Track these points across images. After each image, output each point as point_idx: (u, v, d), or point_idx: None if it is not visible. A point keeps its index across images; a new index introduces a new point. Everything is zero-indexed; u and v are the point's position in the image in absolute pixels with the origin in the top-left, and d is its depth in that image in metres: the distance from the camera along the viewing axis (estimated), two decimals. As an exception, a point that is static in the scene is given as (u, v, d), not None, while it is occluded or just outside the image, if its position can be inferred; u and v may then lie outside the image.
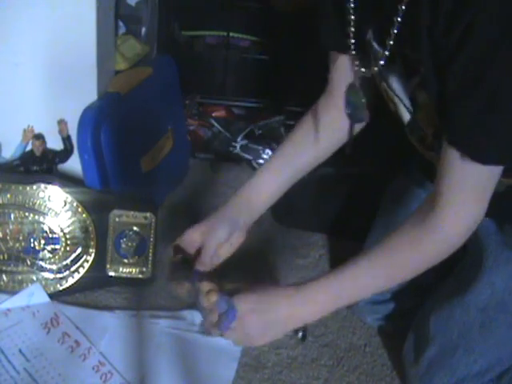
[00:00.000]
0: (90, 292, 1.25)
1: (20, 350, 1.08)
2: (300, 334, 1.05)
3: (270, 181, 1.08)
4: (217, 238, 1.04)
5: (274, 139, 1.81)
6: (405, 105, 0.93)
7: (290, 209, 1.56)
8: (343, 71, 1.00)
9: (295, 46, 1.84)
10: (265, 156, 1.77)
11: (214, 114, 1.84)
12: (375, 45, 0.89)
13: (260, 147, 1.78)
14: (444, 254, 0.86)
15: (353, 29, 0.89)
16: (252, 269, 1.37)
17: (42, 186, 1.21)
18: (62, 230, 1.23)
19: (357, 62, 0.93)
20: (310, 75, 1.82)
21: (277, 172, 1.08)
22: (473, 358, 1.00)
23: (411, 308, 1.15)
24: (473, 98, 0.74)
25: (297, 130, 1.10)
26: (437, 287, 1.10)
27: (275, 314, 0.90)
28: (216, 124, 1.80)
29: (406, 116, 0.95)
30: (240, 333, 0.90)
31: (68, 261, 1.24)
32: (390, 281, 0.92)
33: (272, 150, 1.77)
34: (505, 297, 0.98)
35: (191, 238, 1.05)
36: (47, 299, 1.19)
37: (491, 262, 0.99)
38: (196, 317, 1.20)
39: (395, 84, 0.92)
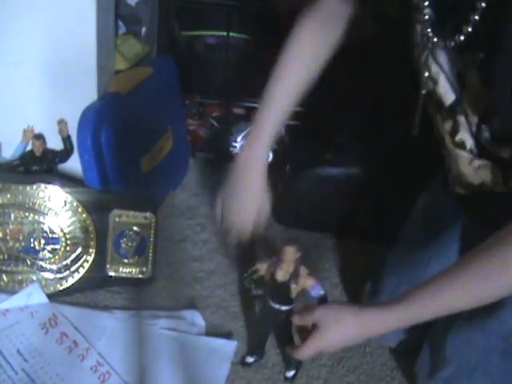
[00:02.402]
0: (90, 292, 1.25)
1: (18, 351, 1.07)
2: (292, 372, 1.09)
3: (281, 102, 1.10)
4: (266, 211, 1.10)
5: (274, 139, 1.80)
6: (451, 83, 0.87)
7: (290, 209, 1.56)
8: None
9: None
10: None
11: (214, 114, 1.84)
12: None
13: (260, 147, 1.78)
14: None
15: None
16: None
17: (42, 185, 1.21)
18: (62, 230, 1.23)
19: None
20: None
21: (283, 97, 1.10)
22: (490, 380, 0.96)
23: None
24: None
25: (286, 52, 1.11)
26: None
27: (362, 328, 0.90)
28: (216, 124, 1.80)
29: (449, 96, 0.88)
30: (330, 335, 0.91)
31: (68, 261, 1.24)
32: (477, 302, 0.84)
33: (272, 150, 1.77)
34: None
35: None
36: (46, 299, 1.19)
37: None
38: (196, 316, 1.20)
39: (442, 58, 0.86)
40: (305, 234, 1.53)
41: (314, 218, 1.56)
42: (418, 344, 1.13)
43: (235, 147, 1.79)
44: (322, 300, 1.01)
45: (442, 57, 0.87)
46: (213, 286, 1.32)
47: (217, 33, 1.87)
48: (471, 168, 0.93)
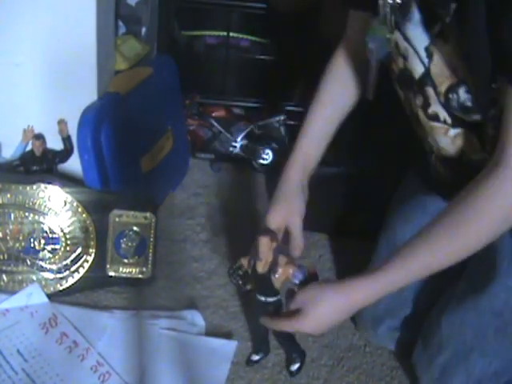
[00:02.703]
0: (90, 292, 1.25)
1: (18, 351, 1.07)
2: (296, 366, 1.09)
3: (316, 135, 1.11)
4: (300, 215, 1.08)
5: (273, 139, 1.81)
6: (419, 56, 0.91)
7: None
8: (362, 23, 1.00)
9: (295, 45, 1.84)
10: (265, 156, 1.77)
11: (213, 114, 1.84)
12: None
13: (260, 147, 1.78)
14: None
15: None
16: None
17: (42, 185, 1.21)
18: (62, 230, 1.23)
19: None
20: (310, 75, 1.82)
21: (318, 126, 1.11)
22: (488, 360, 0.98)
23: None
24: None
25: (321, 87, 1.11)
26: (446, 290, 1.08)
27: (345, 300, 0.92)
28: (216, 124, 1.80)
29: (419, 69, 0.92)
30: (313, 318, 0.92)
31: (68, 261, 1.24)
32: (453, 256, 0.87)
33: (272, 149, 1.77)
34: None
35: (276, 223, 1.07)
36: (46, 299, 1.19)
37: (506, 264, 0.96)
38: (196, 316, 1.20)
39: (411, 32, 0.90)
40: (304, 234, 1.53)
41: (313, 218, 1.55)
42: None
43: (235, 147, 1.79)
44: (303, 284, 0.98)
45: (410, 31, 0.90)
46: (213, 286, 1.32)
47: (217, 33, 1.87)
48: (448, 138, 0.96)
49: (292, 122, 1.82)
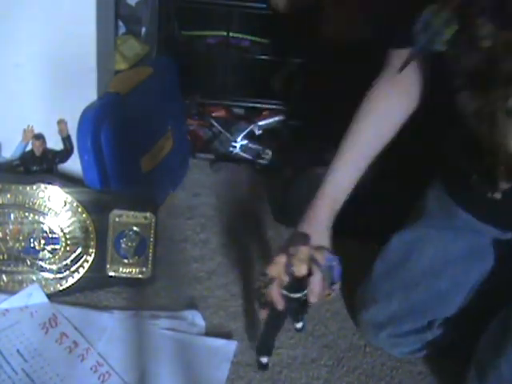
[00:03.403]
0: (90, 292, 1.25)
1: (18, 351, 1.07)
2: (300, 324, 1.07)
3: (347, 174, 1.09)
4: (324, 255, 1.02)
5: (274, 139, 1.81)
6: None
7: (290, 209, 1.56)
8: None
9: (295, 45, 1.84)
10: (265, 156, 1.77)
11: (213, 114, 1.84)
12: None
13: (260, 147, 1.78)
14: None
15: None
16: (253, 269, 1.38)
17: (42, 186, 1.21)
18: (61, 230, 1.23)
19: None
20: (311, 75, 1.83)
21: (352, 163, 1.09)
22: None
23: (454, 341, 1.12)
24: None
25: (358, 119, 1.10)
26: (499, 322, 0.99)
27: None
28: (216, 124, 1.80)
29: None
30: None
31: (68, 261, 1.23)
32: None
33: (272, 150, 1.77)
34: None
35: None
36: (45, 300, 1.19)
37: None
38: (196, 317, 1.20)
39: None
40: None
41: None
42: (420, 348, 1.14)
43: (235, 147, 1.79)
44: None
45: None
46: (213, 286, 1.32)
47: (217, 33, 1.87)
48: None
49: (292, 122, 1.83)
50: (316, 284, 0.98)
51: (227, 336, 1.17)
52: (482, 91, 0.89)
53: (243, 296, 1.29)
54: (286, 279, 0.98)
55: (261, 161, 1.78)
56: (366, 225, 1.51)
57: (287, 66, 1.90)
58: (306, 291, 1.01)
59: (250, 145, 1.79)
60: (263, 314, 1.03)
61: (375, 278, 1.18)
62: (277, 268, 0.98)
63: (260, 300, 1.03)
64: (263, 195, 1.69)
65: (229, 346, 1.14)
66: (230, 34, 1.86)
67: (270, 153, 1.77)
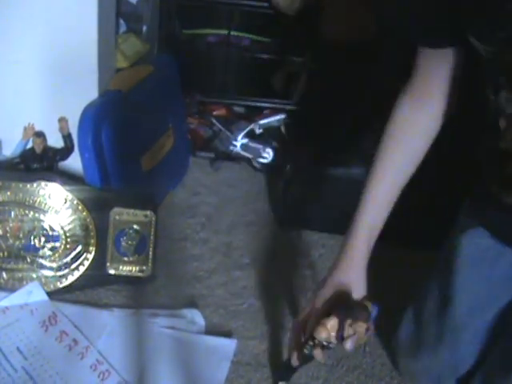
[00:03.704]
0: (90, 290, 1.25)
1: (18, 348, 1.07)
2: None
3: (379, 211, 1.03)
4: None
5: (274, 138, 1.81)
6: None
7: (290, 209, 1.56)
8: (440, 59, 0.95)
9: (296, 44, 1.85)
10: (265, 155, 1.77)
11: (214, 113, 1.84)
12: None
13: (260, 146, 1.78)
14: None
15: None
16: (253, 268, 1.38)
17: (43, 183, 1.21)
18: (62, 228, 1.22)
19: None
20: (311, 74, 1.83)
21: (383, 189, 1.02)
22: None
23: None
24: None
25: (387, 141, 1.02)
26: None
27: None
28: (216, 123, 1.80)
29: None
30: None
31: (68, 259, 1.23)
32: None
33: (272, 148, 1.77)
34: None
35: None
36: (46, 297, 1.19)
37: None
38: (196, 315, 1.20)
39: None
40: (305, 234, 1.53)
41: (314, 218, 1.56)
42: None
43: (235, 146, 1.79)
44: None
45: None
46: (213, 284, 1.32)
47: (218, 31, 1.87)
48: None
49: (292, 121, 1.82)
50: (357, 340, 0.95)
51: (227, 335, 1.17)
52: None
53: (243, 295, 1.29)
54: (334, 342, 0.94)
55: (261, 160, 1.78)
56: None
57: (288, 65, 1.91)
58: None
59: (251, 143, 1.79)
60: (297, 363, 1.00)
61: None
62: (327, 333, 0.93)
63: (304, 360, 1.00)
64: (263, 194, 1.69)
65: (229, 345, 1.14)
66: (231, 33, 1.86)
67: (270, 152, 1.77)
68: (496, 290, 0.99)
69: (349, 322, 0.92)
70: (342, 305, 0.96)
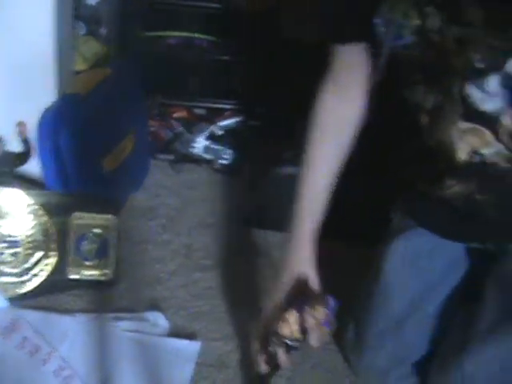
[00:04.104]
0: (51, 295, 1.24)
1: (-22, 357, 1.06)
2: None
3: (317, 200, 1.06)
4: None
5: (234, 139, 1.82)
6: None
7: (251, 209, 1.57)
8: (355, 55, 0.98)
9: (256, 46, 1.85)
10: (226, 156, 1.78)
11: (175, 115, 1.84)
12: None
13: (221, 147, 1.79)
14: None
15: None
16: (214, 269, 1.39)
17: (2, 188, 1.20)
18: (22, 233, 1.21)
19: None
20: (270, 74, 1.84)
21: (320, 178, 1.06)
22: None
23: None
24: None
25: (314, 130, 1.05)
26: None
27: None
28: (177, 124, 1.80)
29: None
30: None
31: (29, 264, 1.22)
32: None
33: (233, 150, 1.78)
34: None
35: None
36: (5, 304, 1.18)
37: None
38: (159, 318, 1.21)
39: None
40: (267, 234, 1.54)
41: (275, 218, 1.56)
42: None
43: (195, 148, 1.80)
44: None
45: None
46: (174, 286, 1.33)
47: (178, 33, 1.87)
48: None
49: (253, 123, 1.84)
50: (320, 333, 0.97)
51: (190, 337, 1.18)
52: (436, 85, 0.91)
53: (205, 296, 1.30)
54: (298, 336, 0.96)
55: (221, 161, 1.78)
56: (353, 229, 1.50)
57: (246, 65, 1.91)
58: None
59: (211, 145, 1.79)
60: (265, 368, 1.02)
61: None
62: (289, 327, 0.96)
63: (271, 360, 1.01)
64: (224, 195, 1.70)
65: (192, 347, 1.14)
66: (192, 35, 1.86)
67: (230, 153, 1.78)
68: (435, 282, 1.05)
69: (307, 310, 0.95)
70: (298, 298, 0.99)
